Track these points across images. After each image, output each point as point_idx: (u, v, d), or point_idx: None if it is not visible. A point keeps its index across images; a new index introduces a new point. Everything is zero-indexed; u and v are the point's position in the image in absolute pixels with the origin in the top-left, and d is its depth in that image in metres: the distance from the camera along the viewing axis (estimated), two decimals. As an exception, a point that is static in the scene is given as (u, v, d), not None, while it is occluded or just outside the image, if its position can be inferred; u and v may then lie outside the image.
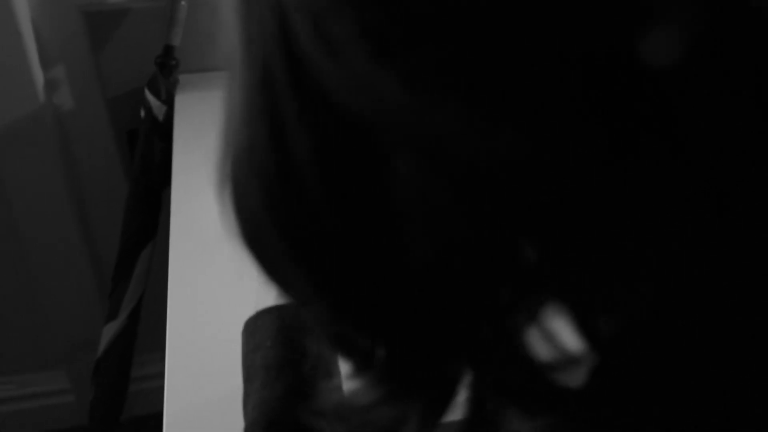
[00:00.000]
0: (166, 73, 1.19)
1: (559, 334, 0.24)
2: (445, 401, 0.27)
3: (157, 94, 1.19)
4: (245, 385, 0.57)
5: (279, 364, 0.55)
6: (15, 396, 1.53)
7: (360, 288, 0.24)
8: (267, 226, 0.25)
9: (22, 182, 1.25)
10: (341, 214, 0.23)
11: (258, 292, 0.63)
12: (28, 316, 1.45)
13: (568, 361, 0.23)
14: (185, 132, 1.11)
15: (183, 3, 1.16)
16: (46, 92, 1.21)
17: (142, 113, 1.21)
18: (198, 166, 1.03)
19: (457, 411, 0.28)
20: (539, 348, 0.24)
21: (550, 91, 0.19)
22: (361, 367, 0.27)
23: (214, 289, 0.80)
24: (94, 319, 1.44)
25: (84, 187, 1.34)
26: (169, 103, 1.19)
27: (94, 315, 1.43)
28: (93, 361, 1.39)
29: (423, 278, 0.23)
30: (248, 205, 0.27)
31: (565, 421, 0.23)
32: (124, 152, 1.31)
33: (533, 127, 0.20)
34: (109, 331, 1.32)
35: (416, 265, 0.23)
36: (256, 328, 0.60)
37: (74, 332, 1.44)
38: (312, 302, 0.27)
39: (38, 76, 1.18)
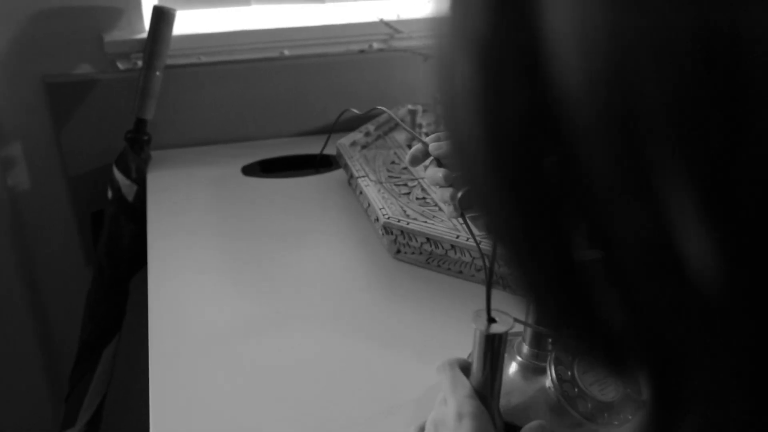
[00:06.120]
0: (137, 149, 1.09)
1: None
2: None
3: (126, 172, 1.08)
4: None
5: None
6: None
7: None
8: None
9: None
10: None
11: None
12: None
13: None
14: (159, 212, 1.00)
15: (158, 74, 1.07)
16: (1, 170, 1.09)
17: (110, 193, 1.10)
18: (175, 249, 0.92)
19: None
20: None
21: None
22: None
23: (197, 383, 0.70)
24: (44, 428, 1.27)
25: (39, 277, 1.20)
26: (140, 182, 1.08)
27: (45, 423, 1.26)
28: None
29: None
30: None
31: None
32: (86, 237, 1.18)
33: None
34: (63, 442, 1.15)
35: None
36: None
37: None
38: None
39: (-8, 153, 1.06)
